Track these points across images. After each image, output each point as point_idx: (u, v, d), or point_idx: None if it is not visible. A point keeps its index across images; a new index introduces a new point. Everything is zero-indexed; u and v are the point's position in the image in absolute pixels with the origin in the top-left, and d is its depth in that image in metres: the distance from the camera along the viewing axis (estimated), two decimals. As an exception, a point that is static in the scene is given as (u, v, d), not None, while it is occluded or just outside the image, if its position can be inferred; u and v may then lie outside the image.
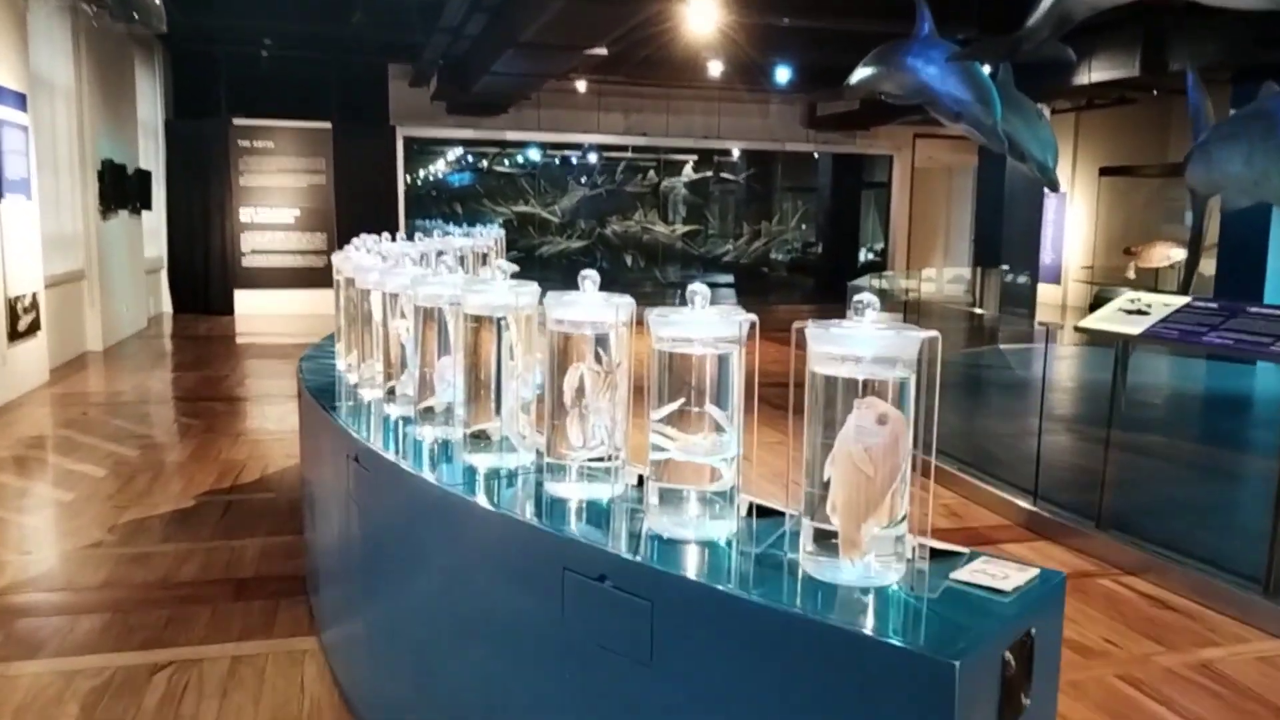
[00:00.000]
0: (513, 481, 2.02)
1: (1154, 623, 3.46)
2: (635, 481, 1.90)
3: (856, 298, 1.47)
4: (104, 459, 5.43)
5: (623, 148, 15.22)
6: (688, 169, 16.07)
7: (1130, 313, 4.29)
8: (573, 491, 1.86)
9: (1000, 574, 1.51)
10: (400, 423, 2.51)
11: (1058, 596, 1.52)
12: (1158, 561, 3.89)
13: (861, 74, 7.47)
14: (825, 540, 1.49)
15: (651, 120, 14.69)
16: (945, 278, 14.68)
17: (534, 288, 2.07)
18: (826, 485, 1.49)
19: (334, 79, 13.32)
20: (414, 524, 2.18)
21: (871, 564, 1.47)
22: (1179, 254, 13.56)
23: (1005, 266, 11.26)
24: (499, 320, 2.05)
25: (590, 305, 1.82)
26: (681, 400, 1.63)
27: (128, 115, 10.96)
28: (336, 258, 3.63)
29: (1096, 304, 14.53)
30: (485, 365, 2.10)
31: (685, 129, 14.85)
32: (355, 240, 3.98)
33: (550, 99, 13.71)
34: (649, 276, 16.14)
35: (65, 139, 9.05)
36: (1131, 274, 13.92)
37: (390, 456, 2.22)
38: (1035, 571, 1.51)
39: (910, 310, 10.23)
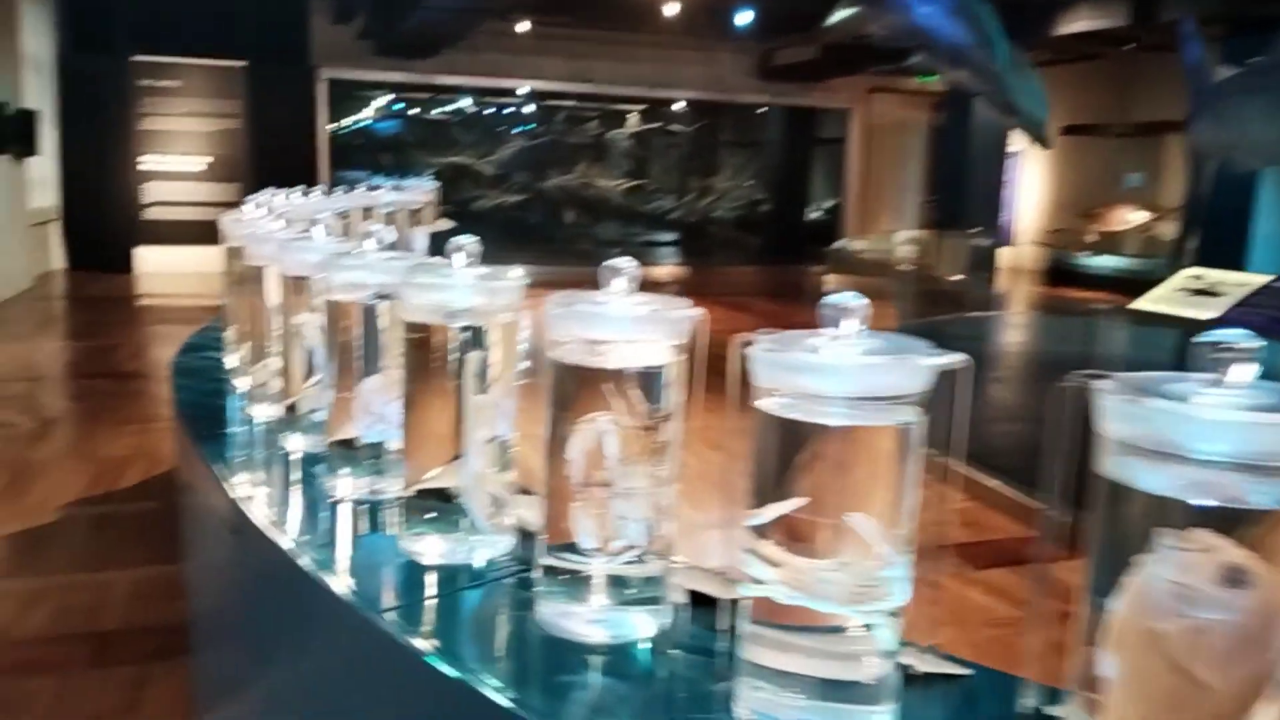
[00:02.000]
0: (480, 583, 1.23)
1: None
2: (687, 598, 1.13)
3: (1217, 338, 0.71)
4: (-48, 456, 4.49)
5: (564, 95, 14.26)
6: (633, 120, 15.17)
7: (1195, 293, 3.62)
8: (589, 628, 1.07)
9: None
10: (304, 467, 1.69)
11: None
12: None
13: (844, 13, 6.70)
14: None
15: (597, 67, 13.72)
16: (899, 239, 14.14)
17: (517, 278, 1.27)
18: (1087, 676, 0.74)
19: (248, 13, 12.09)
20: (322, 655, 1.37)
21: None
22: (1139, 217, 13.20)
23: (977, 229, 10.67)
24: (465, 331, 1.24)
25: (631, 320, 1.02)
26: (803, 500, 0.86)
27: (7, 48, 9.69)
28: (225, 219, 2.76)
29: (1055, 268, 14.14)
30: (438, 396, 1.30)
31: (632, 77, 13.93)
32: (257, 196, 3.12)
33: (487, 41, 12.67)
34: (588, 234, 15.28)
35: (-74, 70, 7.85)
36: (1092, 237, 13.50)
37: (285, 543, 1.40)
38: None
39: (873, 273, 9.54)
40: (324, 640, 1.34)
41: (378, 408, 1.53)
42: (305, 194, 3.63)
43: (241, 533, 1.58)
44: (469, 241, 1.29)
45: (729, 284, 13.50)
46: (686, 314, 1.01)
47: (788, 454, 0.86)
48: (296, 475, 1.67)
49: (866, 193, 16.23)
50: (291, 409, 1.81)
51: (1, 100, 9.09)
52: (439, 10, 9.47)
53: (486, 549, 1.27)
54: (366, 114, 14.44)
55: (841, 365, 0.81)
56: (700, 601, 1.10)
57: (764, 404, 0.86)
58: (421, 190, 5.24)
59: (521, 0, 10.40)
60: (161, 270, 11.59)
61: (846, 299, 0.84)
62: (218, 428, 2.00)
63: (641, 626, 1.06)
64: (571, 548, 1.07)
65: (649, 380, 1.03)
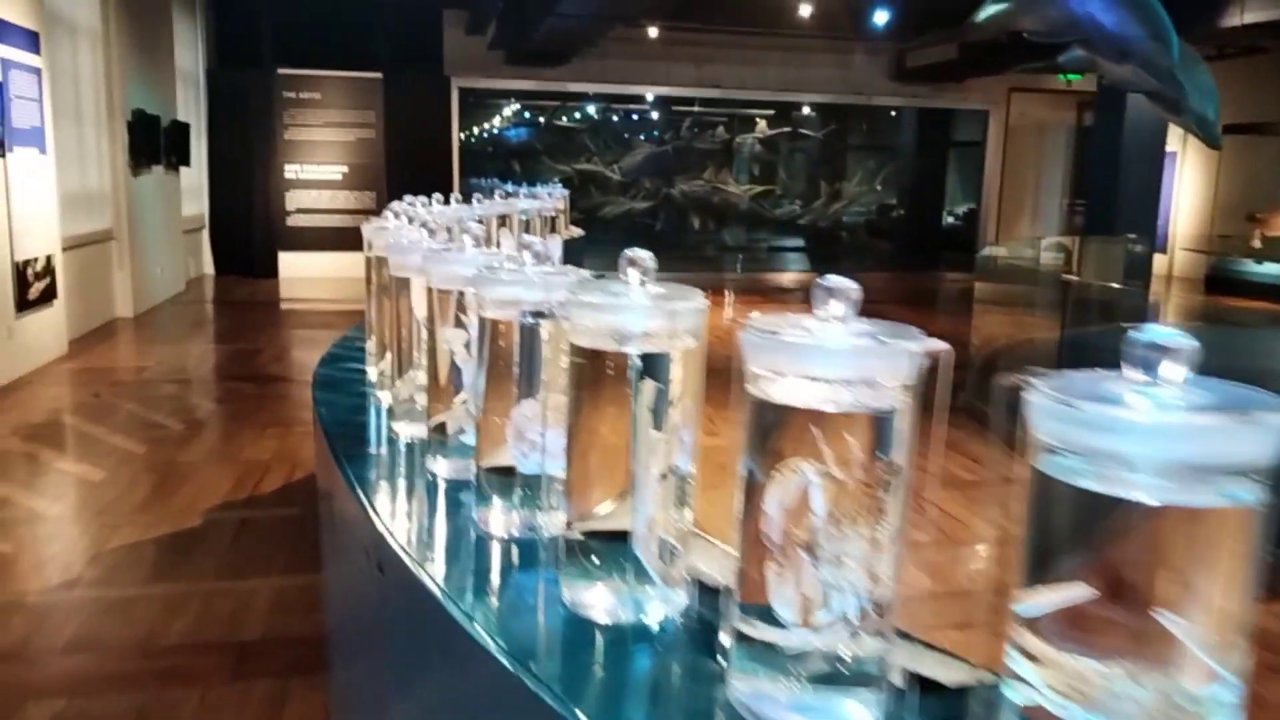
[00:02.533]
0: (654, 645, 1.08)
1: None
2: (913, 684, 0.96)
3: None
4: (106, 456, 4.62)
5: (692, 101, 14.14)
6: (762, 124, 14.93)
7: None
8: (790, 715, 0.91)
9: None
10: (451, 495, 1.58)
11: None
12: None
13: (995, 8, 6.34)
14: None
15: (725, 71, 13.56)
16: (1045, 245, 13.45)
17: (697, 299, 1.12)
18: None
19: (385, 25, 12.40)
20: (469, 711, 1.25)
21: None
22: (1311, 222, 12.23)
23: (1131, 235, 10.04)
24: (638, 361, 1.09)
25: (853, 355, 0.86)
26: (1089, 593, 0.68)
27: (163, 63, 10.15)
28: (368, 228, 2.69)
29: (1215, 275, 13.25)
30: (607, 426, 1.16)
31: (761, 81, 13.71)
32: (395, 204, 3.04)
33: (616, 48, 12.66)
34: (713, 240, 15.10)
35: (90, 86, 8.25)
36: (1257, 243, 12.59)
37: (434, 586, 1.29)
38: None
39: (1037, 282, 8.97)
40: (471, 696, 1.21)
41: (533, 435, 1.40)
42: (445, 200, 3.58)
43: (386, 570, 1.48)
44: (643, 255, 1.14)
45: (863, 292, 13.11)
46: (922, 346, 0.84)
47: (1077, 529, 0.68)
48: (444, 505, 1.56)
49: (1005, 197, 15.57)
50: (439, 429, 1.71)
51: (157, 113, 9.50)
52: (569, 18, 9.47)
53: (661, 604, 1.12)
54: (496, 122, 14.63)
55: (1161, 425, 0.63)
56: (930, 687, 0.93)
57: (1046, 464, 0.68)
58: (555, 197, 5.16)
59: (650, 6, 10.32)
60: (302, 275, 11.97)
61: (1167, 335, 0.66)
62: (360, 446, 1.91)
63: (855, 716, 0.89)
64: (767, 612, 0.91)
65: (870, 425, 0.86)
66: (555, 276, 1.32)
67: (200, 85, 11.91)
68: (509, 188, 8.76)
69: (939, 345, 0.83)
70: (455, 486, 1.59)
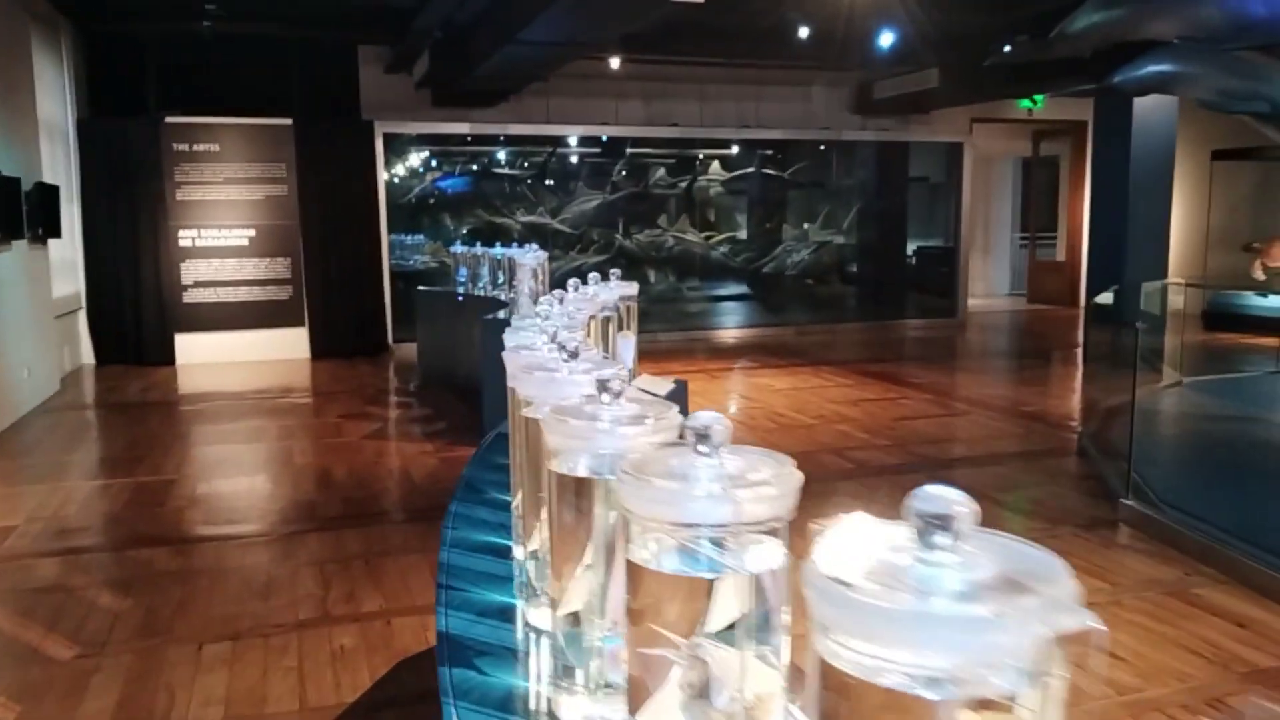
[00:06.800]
0: None
1: None
2: None
3: None
4: (-55, 739, 2.84)
5: (644, 141, 12.75)
6: (715, 166, 13.62)
7: None
8: None
9: None
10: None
11: None
12: None
13: (1107, 13, 5.10)
14: None
15: (679, 108, 12.21)
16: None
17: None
18: None
19: (293, 65, 10.67)
20: None
21: None
22: (1313, 249, 11.45)
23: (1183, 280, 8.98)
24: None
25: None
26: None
27: (22, 113, 8.21)
28: (510, 341, 1.19)
29: (1213, 311, 12.43)
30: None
31: (717, 117, 12.41)
32: (542, 305, 1.56)
33: (560, 86, 11.20)
34: (663, 293, 13.61)
35: (-77, 142, 6.33)
36: (1259, 274, 11.76)
37: None
38: None
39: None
40: None
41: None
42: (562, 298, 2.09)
43: None
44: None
45: (832, 344, 11.84)
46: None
47: None
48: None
49: (973, 234, 14.57)
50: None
51: (15, 174, 7.58)
52: (532, 45, 7.96)
53: None
54: (423, 171, 12.92)
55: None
56: None
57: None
58: (623, 283, 3.60)
59: (631, 34, 8.95)
60: (205, 360, 10.04)
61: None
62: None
63: None
64: None
65: None
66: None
67: (70, 139, 9.92)
68: (497, 252, 7.16)
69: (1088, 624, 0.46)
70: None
